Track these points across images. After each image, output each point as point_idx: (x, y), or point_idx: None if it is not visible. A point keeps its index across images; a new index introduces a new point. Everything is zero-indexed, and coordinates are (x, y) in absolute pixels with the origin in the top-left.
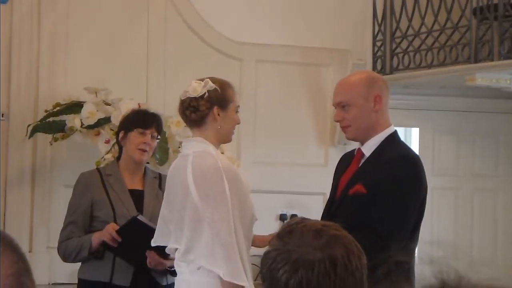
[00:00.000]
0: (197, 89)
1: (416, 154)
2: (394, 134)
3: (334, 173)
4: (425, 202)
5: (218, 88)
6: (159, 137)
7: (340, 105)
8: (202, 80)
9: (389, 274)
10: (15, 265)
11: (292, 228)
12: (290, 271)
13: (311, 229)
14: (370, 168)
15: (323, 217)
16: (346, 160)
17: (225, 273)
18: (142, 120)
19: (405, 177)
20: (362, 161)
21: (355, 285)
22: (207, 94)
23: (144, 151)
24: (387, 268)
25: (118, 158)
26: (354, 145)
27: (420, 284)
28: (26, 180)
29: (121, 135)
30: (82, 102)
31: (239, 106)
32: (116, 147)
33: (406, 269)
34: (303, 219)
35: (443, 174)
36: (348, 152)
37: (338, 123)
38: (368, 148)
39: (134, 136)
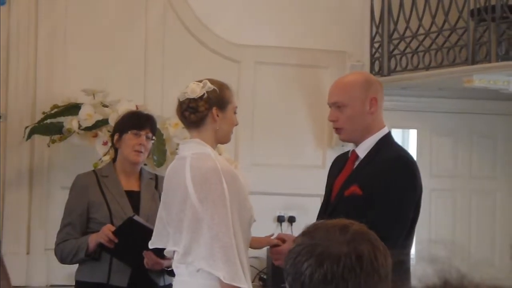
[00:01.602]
0: (196, 90)
1: (411, 155)
2: (388, 135)
3: (328, 175)
4: (420, 202)
5: (217, 89)
6: (154, 138)
7: (336, 105)
8: (200, 81)
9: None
10: None
11: (317, 226)
12: (315, 264)
13: (337, 225)
14: (365, 169)
15: (318, 219)
16: (340, 162)
17: (225, 276)
18: (136, 121)
19: (400, 178)
20: (357, 162)
21: (381, 283)
22: (206, 95)
23: (140, 152)
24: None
25: (114, 160)
26: (352, 146)
27: (422, 283)
28: (23, 182)
29: (116, 137)
30: (79, 103)
31: (236, 107)
32: None
33: (403, 269)
34: (327, 220)
35: (441, 176)
36: (342, 153)
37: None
38: (363, 150)
39: (129, 138)
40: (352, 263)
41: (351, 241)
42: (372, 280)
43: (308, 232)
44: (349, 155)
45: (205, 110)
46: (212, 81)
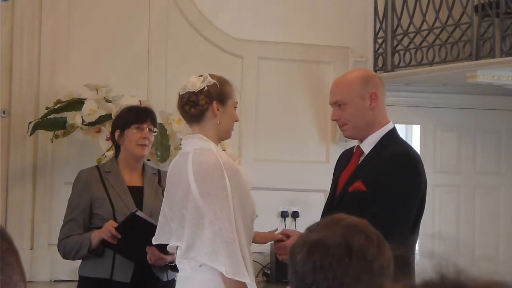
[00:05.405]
0: (196, 83)
1: (415, 151)
2: (393, 131)
3: (334, 171)
4: (425, 198)
5: (217, 83)
6: (155, 130)
7: (337, 104)
8: (200, 75)
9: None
10: None
11: (318, 222)
12: (306, 254)
13: (333, 218)
14: (369, 165)
15: (323, 214)
16: (346, 157)
17: (227, 270)
18: (137, 116)
19: (404, 174)
20: (362, 158)
21: (374, 276)
22: (206, 88)
23: (144, 145)
24: None
25: (116, 156)
26: (356, 142)
27: (419, 278)
28: (27, 177)
29: (117, 134)
30: (83, 99)
31: (237, 103)
32: None
33: (405, 264)
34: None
35: (444, 171)
36: (347, 149)
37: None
38: (367, 145)
39: (132, 133)
40: (341, 253)
41: (344, 232)
42: (363, 271)
43: (310, 228)
44: (354, 150)
45: (205, 104)
46: (212, 76)
